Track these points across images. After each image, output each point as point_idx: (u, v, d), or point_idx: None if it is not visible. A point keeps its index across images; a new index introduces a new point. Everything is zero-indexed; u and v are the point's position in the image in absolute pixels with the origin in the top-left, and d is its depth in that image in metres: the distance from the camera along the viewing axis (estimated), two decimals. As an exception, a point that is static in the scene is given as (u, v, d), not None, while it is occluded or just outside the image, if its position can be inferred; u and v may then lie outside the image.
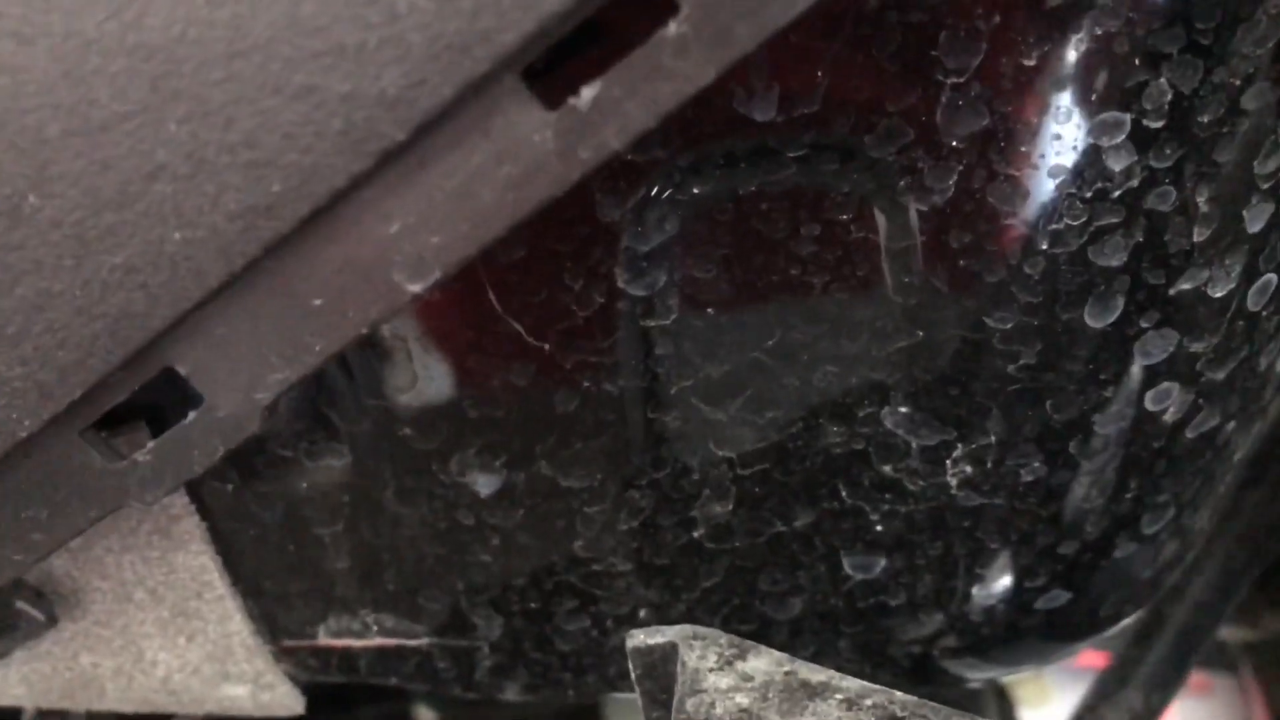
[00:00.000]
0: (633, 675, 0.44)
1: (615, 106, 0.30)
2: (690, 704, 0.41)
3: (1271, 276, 0.44)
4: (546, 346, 0.44)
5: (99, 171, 0.32)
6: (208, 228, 0.32)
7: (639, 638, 0.43)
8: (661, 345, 0.44)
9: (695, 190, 0.41)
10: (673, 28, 0.29)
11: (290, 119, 0.30)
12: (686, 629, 0.43)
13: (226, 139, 0.31)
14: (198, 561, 0.53)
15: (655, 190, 0.41)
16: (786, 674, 0.41)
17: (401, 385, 0.46)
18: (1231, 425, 0.48)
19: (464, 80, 0.29)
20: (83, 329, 0.34)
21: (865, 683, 0.40)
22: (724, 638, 0.43)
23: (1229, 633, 1.27)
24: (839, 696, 0.40)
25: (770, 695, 0.41)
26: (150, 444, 0.38)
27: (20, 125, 0.32)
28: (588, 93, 0.30)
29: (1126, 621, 0.56)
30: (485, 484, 0.48)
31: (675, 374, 0.45)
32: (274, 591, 0.54)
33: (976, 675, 0.56)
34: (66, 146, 0.32)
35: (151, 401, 0.39)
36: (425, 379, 0.46)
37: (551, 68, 0.32)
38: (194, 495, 0.51)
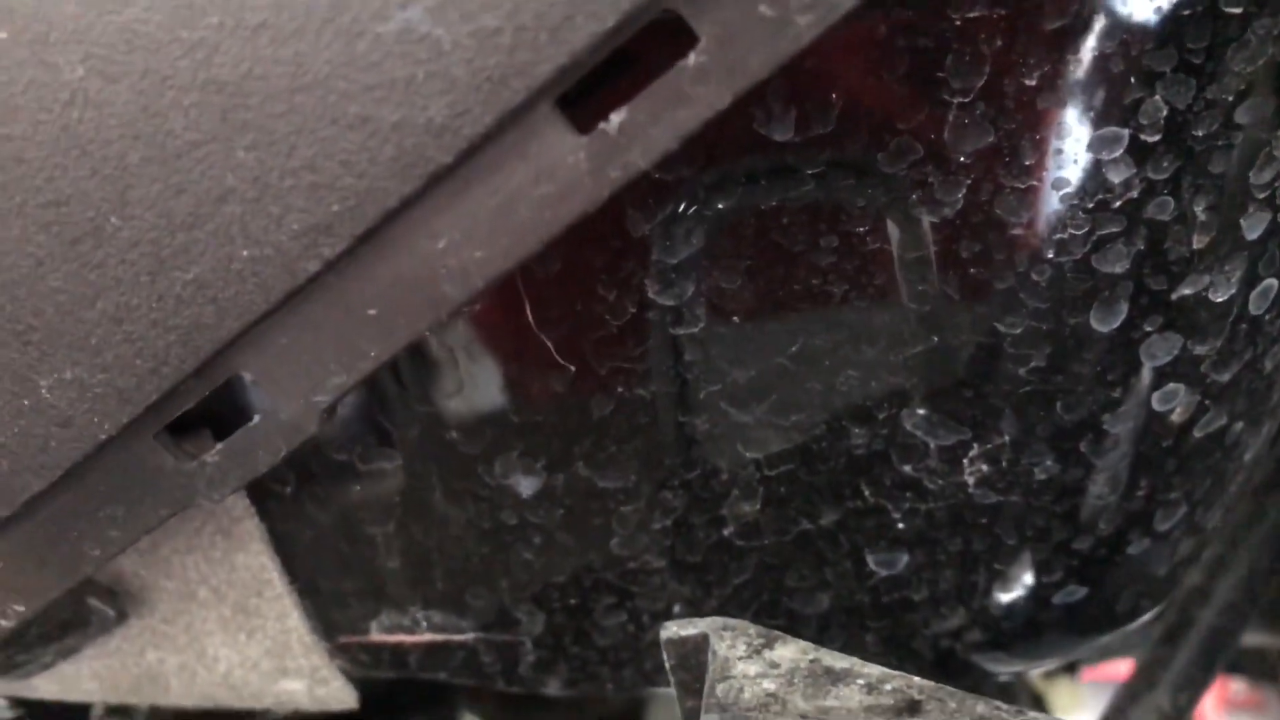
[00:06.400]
0: (667, 665, 0.46)
1: (641, 130, 0.33)
2: (720, 690, 0.43)
3: (1272, 281, 0.46)
4: (583, 354, 0.47)
5: (174, 195, 0.35)
6: (273, 245, 0.35)
7: (672, 629, 0.46)
8: (690, 352, 0.47)
9: (719, 206, 0.44)
10: (692, 58, 0.32)
11: (347, 146, 0.33)
12: (717, 621, 0.46)
13: (289, 164, 0.34)
14: (257, 561, 0.56)
15: (682, 206, 0.44)
16: (811, 661, 0.44)
17: (449, 391, 0.50)
18: (1240, 425, 0.50)
19: (504, 109, 0.33)
20: (158, 339, 0.38)
21: (886, 669, 0.43)
22: (753, 628, 0.45)
23: (1271, 640, 1.27)
24: (860, 681, 0.42)
25: (795, 681, 0.43)
26: (218, 446, 0.41)
27: (104, 154, 0.35)
28: (616, 118, 0.33)
29: (1146, 617, 0.58)
30: (527, 485, 0.51)
31: (704, 379, 0.48)
32: (329, 590, 0.57)
33: (1000, 668, 0.58)
34: (145, 173, 0.35)
35: (215, 411, 0.43)
36: (471, 385, 0.49)
37: (585, 95, 0.35)
38: (254, 498, 0.54)
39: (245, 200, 0.35)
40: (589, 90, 0.35)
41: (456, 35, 0.32)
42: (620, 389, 0.48)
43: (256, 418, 0.40)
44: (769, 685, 0.43)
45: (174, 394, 0.39)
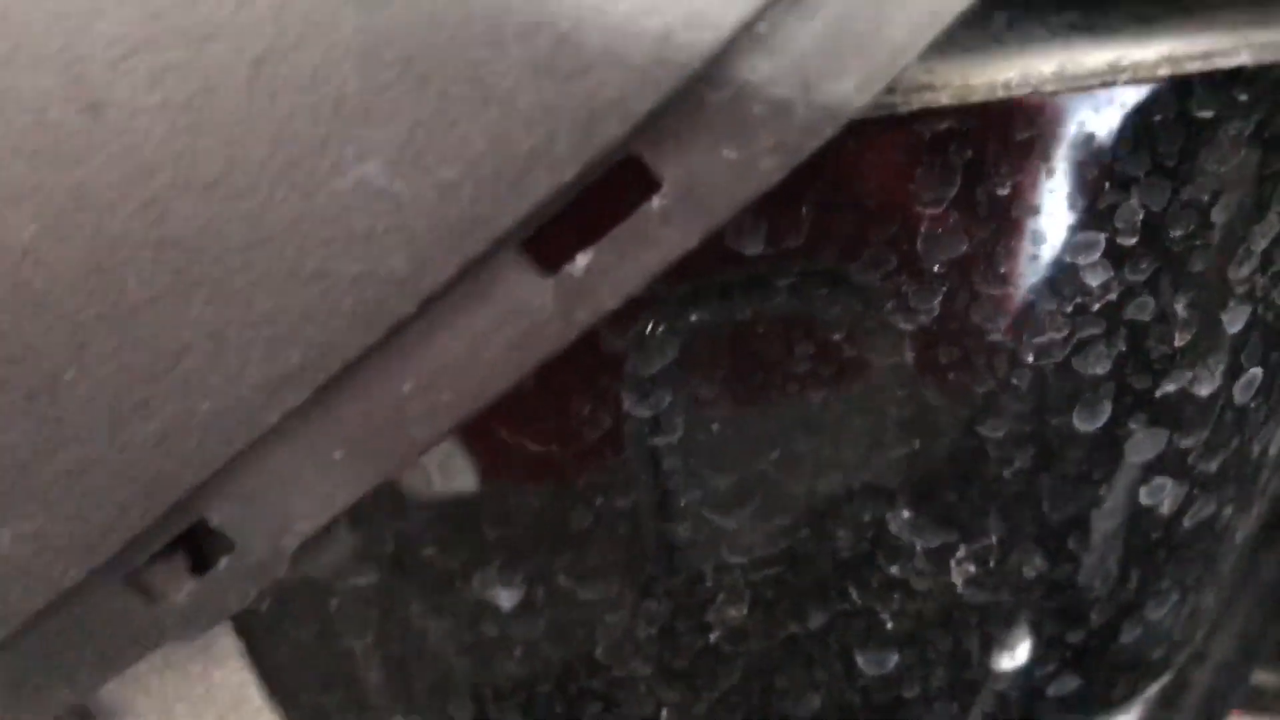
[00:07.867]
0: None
1: (608, 272, 0.33)
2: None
3: (1256, 371, 0.46)
4: (560, 467, 0.46)
5: (130, 349, 0.34)
6: (233, 397, 0.34)
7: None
8: (669, 461, 0.46)
9: (693, 319, 0.43)
10: (656, 201, 0.32)
11: (306, 299, 0.33)
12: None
13: (247, 318, 0.33)
14: (236, 677, 0.55)
15: (654, 322, 0.43)
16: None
17: (424, 507, 0.49)
18: (1229, 510, 0.50)
19: (466, 258, 0.32)
20: (119, 491, 0.37)
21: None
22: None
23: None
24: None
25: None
26: (187, 587, 0.40)
27: (59, 310, 0.34)
28: (582, 260, 0.33)
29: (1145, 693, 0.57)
30: (507, 598, 0.50)
31: (684, 487, 0.47)
32: (309, 703, 0.56)
33: (998, 757, 0.57)
34: (100, 328, 0.34)
35: (192, 534, 0.42)
36: (445, 501, 0.48)
37: (549, 225, 0.34)
38: (231, 615, 0.53)
39: (204, 354, 0.34)
40: (554, 220, 0.34)
41: (415, 189, 0.31)
42: (599, 499, 0.47)
43: (224, 561, 0.39)
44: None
45: (138, 542, 0.38)
